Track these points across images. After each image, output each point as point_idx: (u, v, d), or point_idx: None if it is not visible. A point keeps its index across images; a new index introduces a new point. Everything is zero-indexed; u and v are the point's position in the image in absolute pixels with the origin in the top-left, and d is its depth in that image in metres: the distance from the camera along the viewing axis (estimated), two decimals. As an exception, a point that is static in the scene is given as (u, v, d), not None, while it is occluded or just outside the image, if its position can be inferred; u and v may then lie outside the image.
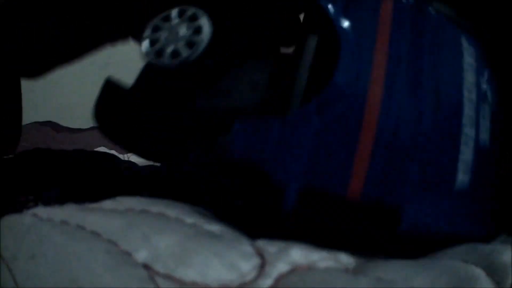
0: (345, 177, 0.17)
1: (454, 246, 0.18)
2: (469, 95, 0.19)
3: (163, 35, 0.21)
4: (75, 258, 0.15)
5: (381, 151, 0.17)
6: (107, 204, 0.18)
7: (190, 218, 0.17)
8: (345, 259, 0.16)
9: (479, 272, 0.15)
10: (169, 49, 0.20)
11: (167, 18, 0.21)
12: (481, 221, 0.19)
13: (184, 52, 0.20)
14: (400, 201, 0.17)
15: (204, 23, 0.20)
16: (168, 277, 0.14)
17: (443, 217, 0.18)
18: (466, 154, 0.18)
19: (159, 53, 0.20)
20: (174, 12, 0.21)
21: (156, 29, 0.21)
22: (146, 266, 0.14)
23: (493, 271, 0.15)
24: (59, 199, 0.20)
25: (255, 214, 0.18)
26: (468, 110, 0.19)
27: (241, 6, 0.22)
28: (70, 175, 0.24)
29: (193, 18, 0.21)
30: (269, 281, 0.14)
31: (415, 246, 0.17)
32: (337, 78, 0.17)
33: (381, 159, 0.17)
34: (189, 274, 0.14)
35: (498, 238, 0.19)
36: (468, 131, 0.18)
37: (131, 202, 0.18)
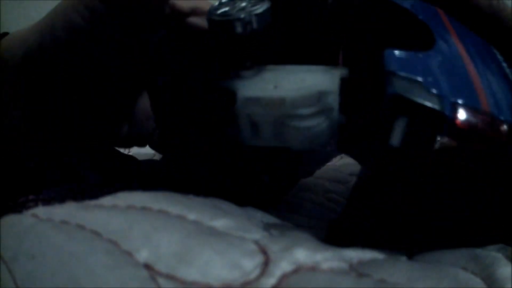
0: (474, 94, 0.20)
1: (455, 251, 0.18)
2: None
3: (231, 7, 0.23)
4: (75, 258, 0.14)
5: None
6: (108, 200, 0.18)
7: (192, 213, 0.17)
8: (350, 254, 0.16)
9: (478, 282, 0.16)
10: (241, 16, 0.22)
11: None
12: None
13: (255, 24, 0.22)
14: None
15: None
16: (169, 277, 0.14)
17: None
18: None
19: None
20: None
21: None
22: (147, 266, 0.14)
23: (492, 282, 0.16)
24: (60, 197, 0.20)
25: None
26: None
27: None
28: (72, 171, 0.24)
29: None
30: (272, 280, 0.14)
31: None
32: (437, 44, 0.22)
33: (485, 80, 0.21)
34: (190, 273, 0.14)
35: (496, 246, 0.19)
36: None
37: (132, 198, 0.17)
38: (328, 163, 0.39)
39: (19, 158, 0.24)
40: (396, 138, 0.19)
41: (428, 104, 0.19)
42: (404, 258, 0.17)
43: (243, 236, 0.16)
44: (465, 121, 0.19)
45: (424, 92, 0.19)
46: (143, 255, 0.15)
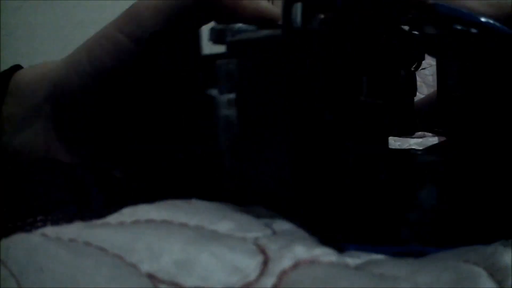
0: None
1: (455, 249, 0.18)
2: None
3: None
4: (81, 272, 0.15)
5: None
6: (114, 218, 0.18)
7: (194, 219, 0.17)
8: (348, 258, 0.16)
9: (481, 271, 0.15)
10: None
11: None
12: None
13: None
14: None
15: None
16: (171, 284, 0.14)
17: None
18: None
19: None
20: None
21: None
22: (150, 276, 0.15)
23: (495, 271, 0.15)
24: (68, 218, 0.20)
25: None
26: None
27: None
28: (79, 190, 0.24)
29: None
30: (272, 279, 0.14)
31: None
32: None
33: None
34: (191, 280, 0.14)
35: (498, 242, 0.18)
36: None
37: (137, 212, 0.18)
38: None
39: (28, 177, 0.24)
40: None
41: None
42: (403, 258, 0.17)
43: (244, 236, 0.16)
44: None
45: None
46: (146, 266, 0.15)
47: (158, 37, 0.26)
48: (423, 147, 0.28)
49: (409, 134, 0.27)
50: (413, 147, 0.50)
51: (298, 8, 0.21)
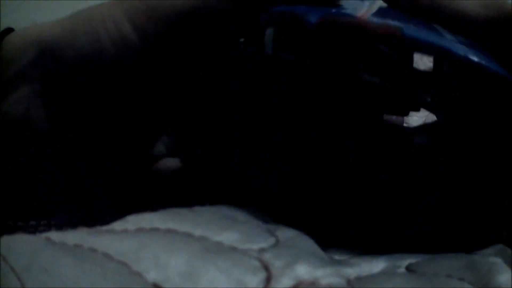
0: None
1: (452, 259, 0.18)
2: None
3: None
4: (86, 277, 0.15)
5: None
6: (118, 225, 0.19)
7: (198, 229, 0.17)
8: (348, 271, 0.16)
9: None
10: None
11: None
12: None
13: None
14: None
15: None
16: (177, 295, 0.14)
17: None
18: None
19: None
20: None
21: None
22: (155, 285, 0.15)
23: None
24: (71, 223, 0.21)
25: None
26: None
27: None
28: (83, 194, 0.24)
29: None
30: None
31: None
32: None
33: None
34: (197, 291, 0.14)
35: (494, 247, 0.19)
36: None
37: (141, 220, 0.18)
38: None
39: (29, 177, 0.24)
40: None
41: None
42: (401, 270, 0.18)
43: (249, 248, 0.17)
44: (324, 21, 0.21)
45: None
46: (152, 276, 0.15)
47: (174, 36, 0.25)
48: (423, 147, 0.27)
49: (404, 113, 0.27)
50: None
51: (270, 32, 0.22)
